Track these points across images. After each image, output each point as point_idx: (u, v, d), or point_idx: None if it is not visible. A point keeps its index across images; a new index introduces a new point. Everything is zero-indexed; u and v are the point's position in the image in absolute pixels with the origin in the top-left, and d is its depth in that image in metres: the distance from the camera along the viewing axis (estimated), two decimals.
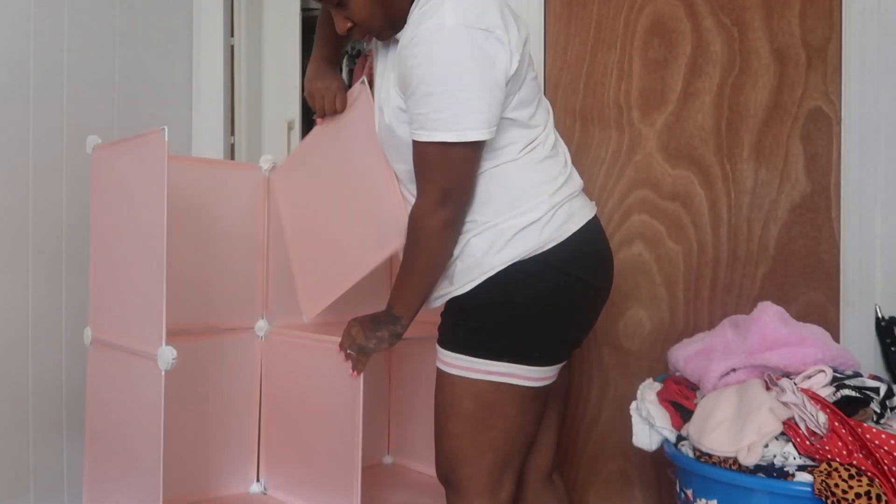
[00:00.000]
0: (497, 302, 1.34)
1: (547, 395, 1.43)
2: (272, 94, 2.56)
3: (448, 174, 1.29)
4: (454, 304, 1.39)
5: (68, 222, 1.89)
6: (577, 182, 1.46)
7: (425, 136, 1.27)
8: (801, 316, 1.92)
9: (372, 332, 1.42)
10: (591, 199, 1.51)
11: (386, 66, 1.41)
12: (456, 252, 1.36)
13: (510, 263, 1.33)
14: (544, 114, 1.45)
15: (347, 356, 1.47)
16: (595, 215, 1.46)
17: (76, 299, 1.88)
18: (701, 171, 2.07)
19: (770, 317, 1.63)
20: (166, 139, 1.36)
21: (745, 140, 2.03)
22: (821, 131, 1.98)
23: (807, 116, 1.99)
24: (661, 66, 2.10)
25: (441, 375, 1.39)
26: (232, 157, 2.43)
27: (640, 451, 1.68)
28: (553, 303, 1.35)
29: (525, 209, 1.34)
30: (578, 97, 2.17)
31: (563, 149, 1.49)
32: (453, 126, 1.25)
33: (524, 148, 1.37)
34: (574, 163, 2.11)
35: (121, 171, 1.56)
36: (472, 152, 1.30)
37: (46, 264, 1.84)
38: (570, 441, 2.21)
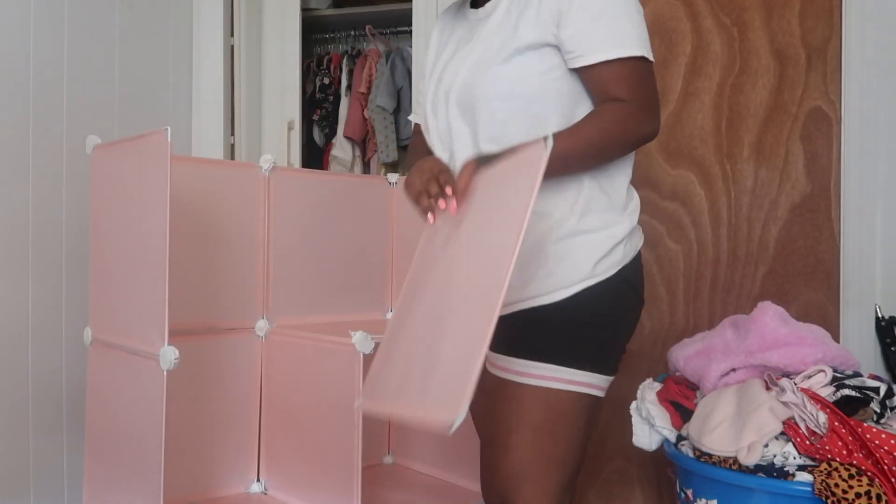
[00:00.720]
0: (584, 309, 1.23)
1: None
2: (272, 94, 2.56)
3: (653, 90, 1.24)
4: (532, 310, 1.25)
5: (68, 222, 1.89)
6: None
7: (625, 51, 1.21)
8: (801, 316, 1.92)
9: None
10: None
11: (480, 23, 1.29)
12: (549, 249, 1.23)
13: (611, 275, 1.24)
14: None
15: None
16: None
17: (76, 299, 1.88)
18: (701, 171, 2.07)
19: (770, 317, 1.62)
20: (169, 140, 1.36)
21: (745, 140, 2.03)
22: (821, 131, 1.98)
23: (807, 116, 1.99)
24: (661, 65, 2.10)
25: (509, 386, 1.24)
26: (232, 157, 2.43)
27: (640, 451, 1.68)
28: (628, 313, 1.29)
29: (630, 211, 1.28)
30: None
31: None
32: (639, 43, 1.25)
33: None
34: None
35: (122, 172, 1.55)
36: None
37: (46, 264, 1.84)
38: None
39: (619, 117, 1.20)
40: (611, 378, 1.29)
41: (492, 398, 1.27)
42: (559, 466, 1.24)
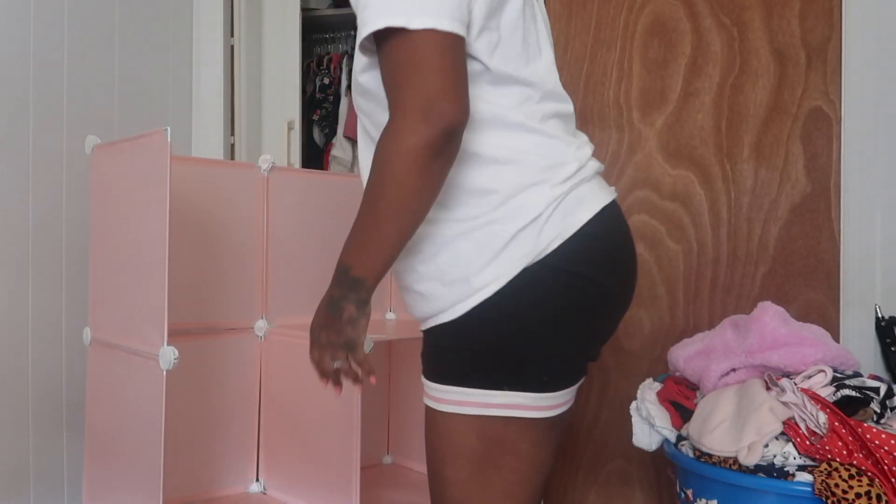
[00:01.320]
0: (490, 318, 1.05)
1: (561, 425, 1.17)
2: (272, 94, 2.56)
3: (421, 76, 0.92)
4: (438, 328, 1.11)
5: (68, 222, 1.89)
6: (585, 160, 1.11)
7: (381, 22, 0.92)
8: (801, 316, 1.92)
9: (338, 320, 1.03)
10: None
11: None
12: (428, 260, 1.07)
13: (511, 278, 1.03)
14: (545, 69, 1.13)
15: (336, 375, 1.08)
16: (613, 201, 1.13)
17: (76, 299, 1.88)
18: (701, 171, 2.07)
19: (770, 317, 1.62)
20: (169, 140, 1.36)
21: (745, 140, 2.03)
22: (821, 131, 1.97)
23: (807, 116, 1.99)
24: (660, 66, 2.10)
25: (431, 413, 1.11)
26: (232, 158, 2.43)
27: (640, 451, 1.68)
28: (559, 314, 1.06)
29: (521, 202, 1.04)
30: (578, 97, 2.17)
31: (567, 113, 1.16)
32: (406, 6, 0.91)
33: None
34: None
35: (121, 172, 1.55)
36: (445, 46, 0.93)
37: (46, 264, 1.84)
38: (570, 441, 2.21)
39: (377, 168, 0.95)
40: (555, 393, 1.09)
41: (426, 426, 1.13)
42: (507, 497, 1.11)
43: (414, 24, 0.90)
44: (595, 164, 1.14)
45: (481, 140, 1.04)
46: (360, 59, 1.05)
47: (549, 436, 1.13)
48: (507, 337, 1.05)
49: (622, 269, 1.14)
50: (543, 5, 1.21)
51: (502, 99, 1.06)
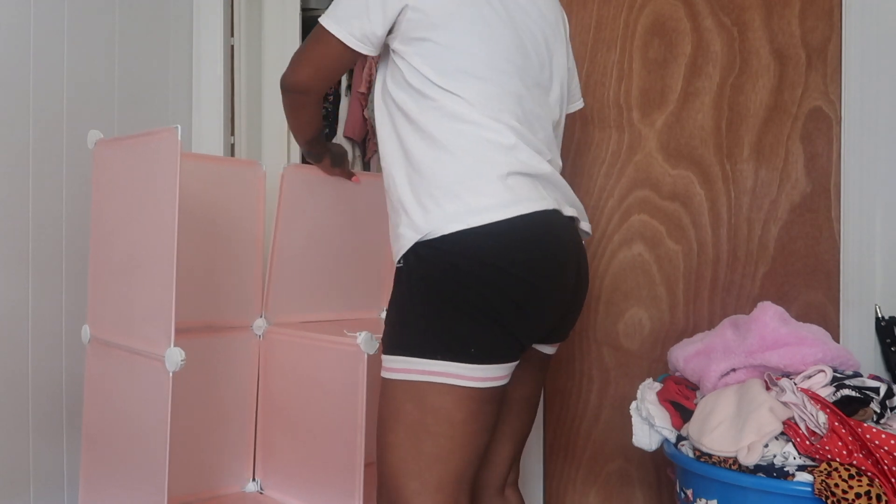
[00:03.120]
0: (422, 293, 1.24)
1: (500, 403, 1.30)
2: (272, 94, 2.56)
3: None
4: (391, 302, 1.31)
5: (68, 222, 1.89)
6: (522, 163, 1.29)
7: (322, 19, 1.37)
8: (801, 316, 1.92)
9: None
10: (577, 200, 1.43)
11: None
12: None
13: (418, 242, 1.24)
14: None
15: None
16: (553, 210, 1.30)
17: (76, 299, 1.88)
18: (701, 171, 2.07)
19: (770, 317, 1.62)
20: (179, 138, 1.36)
21: (745, 140, 2.03)
22: (821, 131, 1.97)
23: (807, 116, 1.99)
24: (660, 66, 2.10)
25: (382, 383, 1.28)
26: (232, 155, 2.43)
27: (640, 451, 1.68)
28: (456, 290, 1.22)
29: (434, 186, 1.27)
30: None
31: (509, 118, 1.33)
32: (331, 13, 1.35)
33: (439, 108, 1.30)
34: (574, 163, 2.10)
35: (127, 168, 1.54)
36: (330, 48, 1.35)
37: (46, 264, 1.84)
38: (570, 441, 2.21)
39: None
40: (486, 366, 1.22)
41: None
42: (439, 461, 1.22)
43: (329, 28, 1.35)
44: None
45: None
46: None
47: (484, 409, 1.24)
48: (431, 311, 1.23)
49: (546, 266, 1.27)
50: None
51: None
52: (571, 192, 1.41)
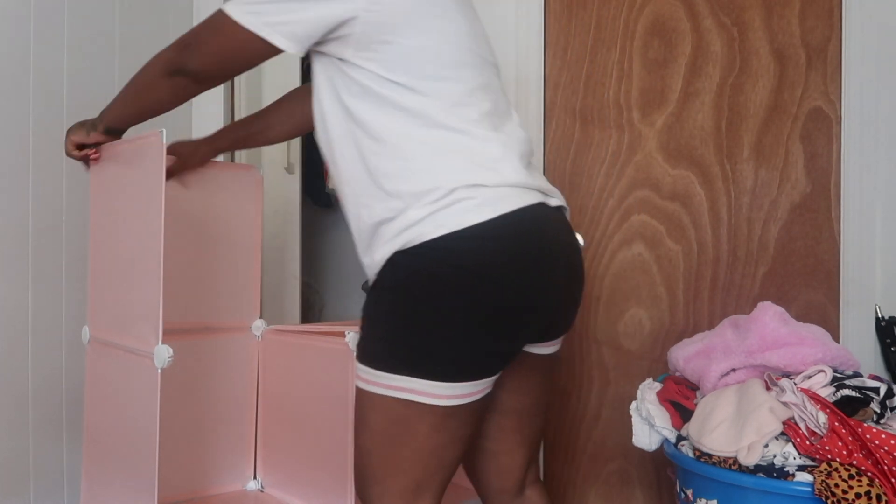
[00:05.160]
0: (391, 307, 1.20)
1: (475, 415, 1.24)
2: (272, 94, 2.56)
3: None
4: (363, 310, 1.26)
5: (68, 222, 1.89)
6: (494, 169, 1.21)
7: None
8: (801, 316, 1.92)
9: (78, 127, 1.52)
10: (560, 195, 1.33)
11: None
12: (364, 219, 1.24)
13: (394, 252, 1.18)
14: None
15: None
16: (537, 204, 1.22)
17: (76, 299, 1.88)
18: (701, 171, 2.07)
19: (770, 317, 1.62)
20: (164, 141, 1.38)
21: (745, 140, 2.03)
22: (821, 131, 1.97)
23: (807, 116, 1.99)
24: (660, 66, 2.10)
25: (356, 389, 1.27)
26: (232, 159, 2.43)
27: (640, 451, 1.68)
28: (453, 307, 1.15)
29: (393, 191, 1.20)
30: (578, 97, 2.17)
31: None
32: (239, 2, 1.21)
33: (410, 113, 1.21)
34: (574, 163, 2.10)
35: (119, 172, 1.56)
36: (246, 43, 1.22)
37: (46, 264, 1.84)
38: (570, 441, 2.21)
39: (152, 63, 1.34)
40: (454, 384, 1.17)
41: None
42: (401, 472, 1.22)
43: (232, 15, 1.22)
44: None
45: None
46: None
47: (450, 424, 1.20)
48: (398, 325, 1.18)
49: (532, 267, 1.19)
50: None
51: None
52: (542, 174, 1.33)
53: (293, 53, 1.21)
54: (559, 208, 1.30)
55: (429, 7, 1.22)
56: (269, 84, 2.58)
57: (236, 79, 2.44)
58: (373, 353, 1.22)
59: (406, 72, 1.19)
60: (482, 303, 1.15)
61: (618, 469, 2.16)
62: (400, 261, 1.18)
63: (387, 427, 1.21)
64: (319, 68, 1.26)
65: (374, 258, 1.22)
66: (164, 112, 1.41)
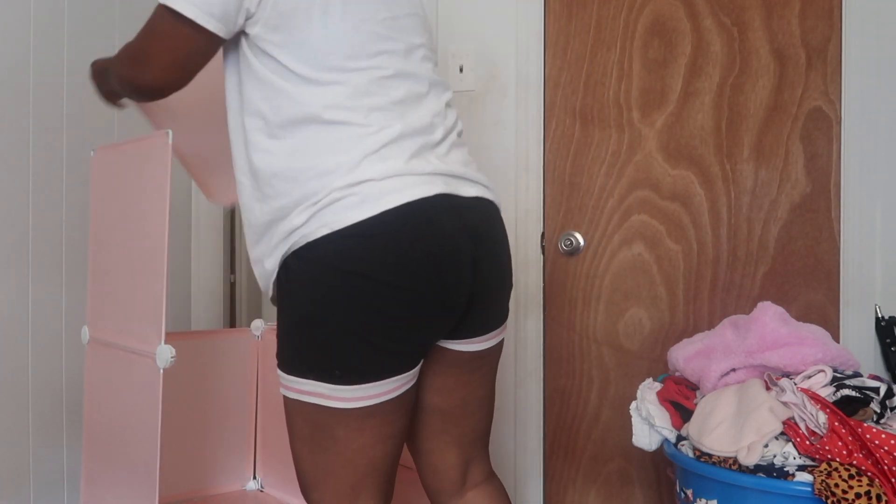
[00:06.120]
0: (290, 313, 1.18)
1: (398, 412, 1.21)
2: None
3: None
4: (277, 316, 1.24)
5: (68, 222, 1.89)
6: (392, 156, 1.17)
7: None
8: (801, 316, 1.92)
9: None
10: (486, 182, 1.28)
11: None
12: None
13: (285, 256, 1.16)
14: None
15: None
16: (437, 196, 1.17)
17: (76, 299, 1.88)
18: (701, 171, 2.07)
19: (770, 317, 1.62)
20: (170, 142, 1.38)
21: (745, 140, 2.03)
22: (821, 131, 1.97)
23: (807, 116, 1.99)
24: (660, 66, 2.10)
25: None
26: None
27: (640, 451, 1.68)
28: (343, 309, 1.12)
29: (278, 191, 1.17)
30: (578, 97, 2.17)
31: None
32: None
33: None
34: (574, 163, 2.10)
35: (123, 173, 1.56)
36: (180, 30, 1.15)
37: (46, 264, 1.84)
38: (570, 441, 2.21)
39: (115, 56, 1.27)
40: (357, 386, 1.15)
41: None
42: (332, 475, 1.21)
43: (178, 8, 1.15)
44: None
45: None
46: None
47: (369, 423, 1.17)
48: (297, 331, 1.17)
49: (424, 264, 1.14)
50: None
51: None
52: (468, 162, 1.27)
53: (222, 37, 1.16)
54: (476, 198, 1.24)
55: None
56: None
57: None
58: (285, 358, 1.20)
59: (308, 62, 1.15)
60: (369, 303, 1.12)
61: (618, 469, 2.16)
62: (291, 265, 1.16)
63: (311, 433, 1.20)
64: (231, 60, 1.23)
65: (264, 266, 1.20)
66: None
